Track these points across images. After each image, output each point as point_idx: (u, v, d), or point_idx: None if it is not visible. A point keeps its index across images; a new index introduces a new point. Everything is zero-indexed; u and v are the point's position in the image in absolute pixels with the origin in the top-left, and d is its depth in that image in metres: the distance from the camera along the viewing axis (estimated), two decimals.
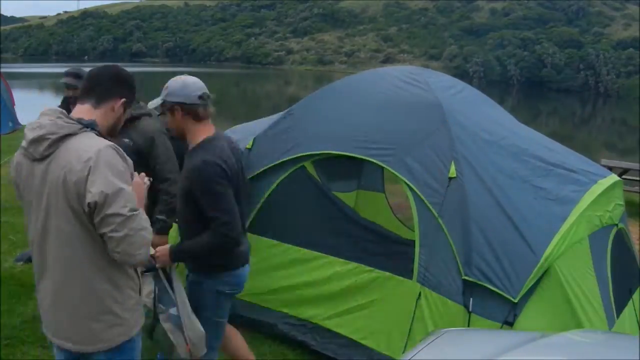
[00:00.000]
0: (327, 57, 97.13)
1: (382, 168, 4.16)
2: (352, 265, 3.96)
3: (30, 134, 2.19)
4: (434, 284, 3.61)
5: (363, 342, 3.79)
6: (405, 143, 4.00)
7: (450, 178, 3.72)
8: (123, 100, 2.33)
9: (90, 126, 2.20)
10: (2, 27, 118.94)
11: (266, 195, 4.40)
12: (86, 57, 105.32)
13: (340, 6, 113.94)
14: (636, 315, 4.12)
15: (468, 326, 3.40)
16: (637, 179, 9.49)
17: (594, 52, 75.44)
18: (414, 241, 3.77)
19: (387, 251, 3.95)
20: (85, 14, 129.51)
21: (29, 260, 5.39)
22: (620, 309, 3.90)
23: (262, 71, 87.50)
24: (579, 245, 3.58)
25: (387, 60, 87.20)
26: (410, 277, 3.71)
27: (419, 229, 3.75)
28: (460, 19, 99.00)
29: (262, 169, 4.44)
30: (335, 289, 3.98)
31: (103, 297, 2.23)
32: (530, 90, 69.05)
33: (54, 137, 2.14)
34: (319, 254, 4.10)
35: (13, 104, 13.74)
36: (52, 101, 30.35)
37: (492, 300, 3.42)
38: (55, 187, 2.13)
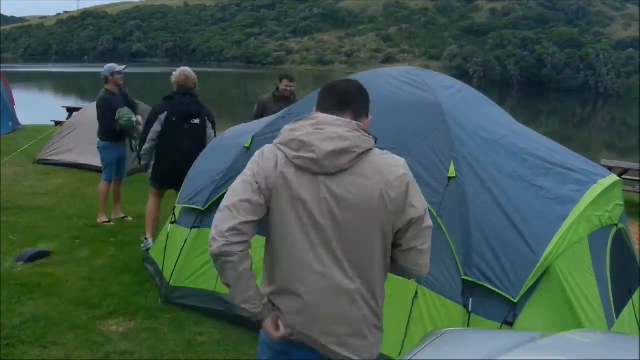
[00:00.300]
0: (327, 57, 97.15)
1: None
2: None
3: (325, 145, 2.04)
4: (433, 284, 3.60)
5: None
6: (404, 143, 3.99)
7: (450, 178, 3.72)
8: (370, 118, 2.26)
9: (375, 140, 2.14)
10: (2, 27, 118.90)
11: None
12: (86, 57, 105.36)
13: (340, 6, 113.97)
14: (636, 316, 4.12)
15: (468, 326, 3.41)
16: (637, 179, 9.50)
17: (594, 52, 75.43)
18: None
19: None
20: (85, 14, 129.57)
21: (29, 260, 5.39)
22: (619, 309, 3.89)
23: (262, 71, 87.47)
24: (578, 245, 3.58)
25: (387, 60, 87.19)
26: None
27: None
28: (460, 19, 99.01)
29: None
30: None
31: (376, 309, 2.14)
32: (530, 90, 69.05)
33: (359, 150, 2.05)
34: None
35: (13, 104, 13.75)
36: (52, 101, 30.34)
37: (492, 300, 3.42)
38: (361, 202, 2.03)
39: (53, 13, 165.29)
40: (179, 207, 4.98)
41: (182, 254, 4.66)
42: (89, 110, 10.50)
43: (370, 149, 2.09)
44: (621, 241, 4.24)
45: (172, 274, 4.70)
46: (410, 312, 3.62)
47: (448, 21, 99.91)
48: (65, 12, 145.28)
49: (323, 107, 2.20)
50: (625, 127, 41.41)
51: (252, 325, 4.25)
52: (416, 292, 3.63)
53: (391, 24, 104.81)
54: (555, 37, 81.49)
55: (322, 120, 2.11)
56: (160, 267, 4.99)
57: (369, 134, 2.12)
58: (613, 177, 4.18)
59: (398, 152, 3.91)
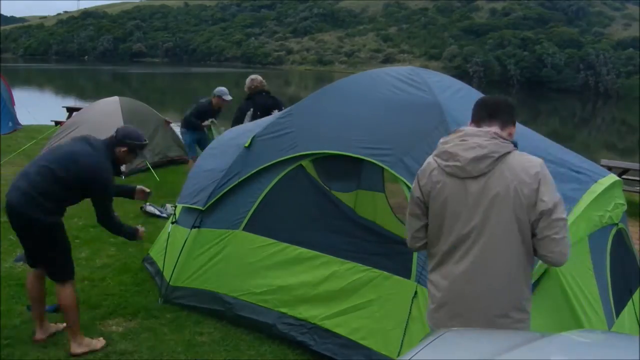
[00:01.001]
0: (327, 57, 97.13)
1: (382, 168, 4.16)
2: (350, 264, 3.96)
3: (467, 154, 2.49)
4: None
5: (362, 342, 3.79)
6: (403, 143, 4.00)
7: None
8: (514, 129, 2.66)
9: (515, 144, 2.56)
10: (2, 27, 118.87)
11: (263, 194, 4.41)
12: (86, 57, 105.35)
13: (340, 6, 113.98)
14: (636, 315, 4.12)
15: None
16: (637, 179, 9.50)
17: (594, 52, 75.33)
18: None
19: (386, 251, 3.95)
20: (85, 14, 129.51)
21: None
22: (619, 308, 3.90)
23: (262, 71, 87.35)
24: (578, 245, 3.57)
25: (387, 60, 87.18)
26: (409, 277, 3.71)
27: None
28: (460, 19, 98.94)
29: (260, 168, 4.45)
30: (334, 288, 3.98)
31: (519, 294, 2.54)
32: (530, 90, 68.99)
33: (496, 155, 2.48)
34: (317, 253, 4.10)
35: (13, 103, 13.75)
36: (52, 101, 30.33)
37: None
38: (499, 198, 2.46)
39: (53, 13, 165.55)
40: (179, 207, 4.98)
41: (182, 253, 4.66)
42: (89, 110, 10.51)
43: (508, 152, 2.50)
44: (621, 241, 4.24)
45: (172, 273, 4.70)
46: (410, 312, 3.62)
47: (448, 21, 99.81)
48: (65, 12, 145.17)
49: (476, 118, 2.67)
50: (625, 127, 41.37)
51: (251, 326, 4.26)
52: (415, 292, 3.64)
53: (391, 24, 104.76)
54: (555, 37, 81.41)
55: (466, 133, 2.57)
56: (160, 267, 4.99)
57: (506, 140, 2.54)
58: (613, 177, 4.18)
59: (397, 152, 3.96)
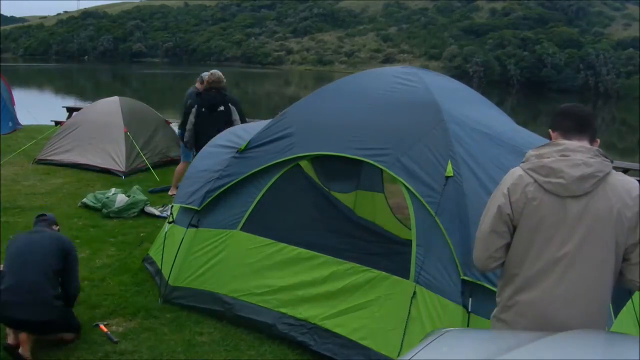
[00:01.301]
0: (327, 57, 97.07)
1: (381, 168, 4.16)
2: (349, 265, 3.96)
3: (574, 171, 2.34)
4: (431, 284, 3.60)
5: (362, 342, 3.79)
6: (401, 143, 4.00)
7: (447, 177, 3.72)
8: (599, 141, 2.51)
9: (611, 161, 2.42)
10: (2, 27, 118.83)
11: (260, 194, 4.41)
12: (86, 57, 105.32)
13: (340, 6, 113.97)
14: (636, 316, 4.12)
15: (467, 326, 3.40)
16: (637, 179, 9.49)
17: (594, 52, 75.26)
18: (411, 241, 3.77)
19: (385, 251, 3.95)
20: (85, 14, 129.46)
21: None
22: (618, 308, 3.89)
23: (262, 71, 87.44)
24: None
25: (387, 60, 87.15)
26: (407, 277, 3.71)
27: (416, 228, 3.75)
28: (460, 19, 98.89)
29: (256, 170, 4.44)
30: (333, 288, 3.98)
31: (606, 317, 2.46)
32: (530, 90, 68.93)
33: (601, 174, 2.36)
34: (316, 253, 4.10)
35: (13, 103, 13.74)
36: (53, 100, 30.33)
37: (492, 300, 3.41)
38: (601, 221, 2.34)
39: (53, 13, 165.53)
40: (176, 207, 4.98)
41: (179, 253, 4.66)
42: (89, 110, 10.51)
43: (609, 172, 2.38)
44: None
45: (170, 273, 4.70)
46: (409, 312, 3.62)
47: (448, 21, 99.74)
48: (65, 12, 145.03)
49: (562, 129, 2.50)
50: (625, 127, 41.35)
51: (252, 326, 4.26)
52: (414, 292, 3.64)
53: (391, 24, 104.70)
54: (555, 37, 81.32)
55: (567, 147, 2.40)
56: (159, 267, 4.99)
57: (606, 157, 2.40)
58: None
59: (395, 152, 3.96)
